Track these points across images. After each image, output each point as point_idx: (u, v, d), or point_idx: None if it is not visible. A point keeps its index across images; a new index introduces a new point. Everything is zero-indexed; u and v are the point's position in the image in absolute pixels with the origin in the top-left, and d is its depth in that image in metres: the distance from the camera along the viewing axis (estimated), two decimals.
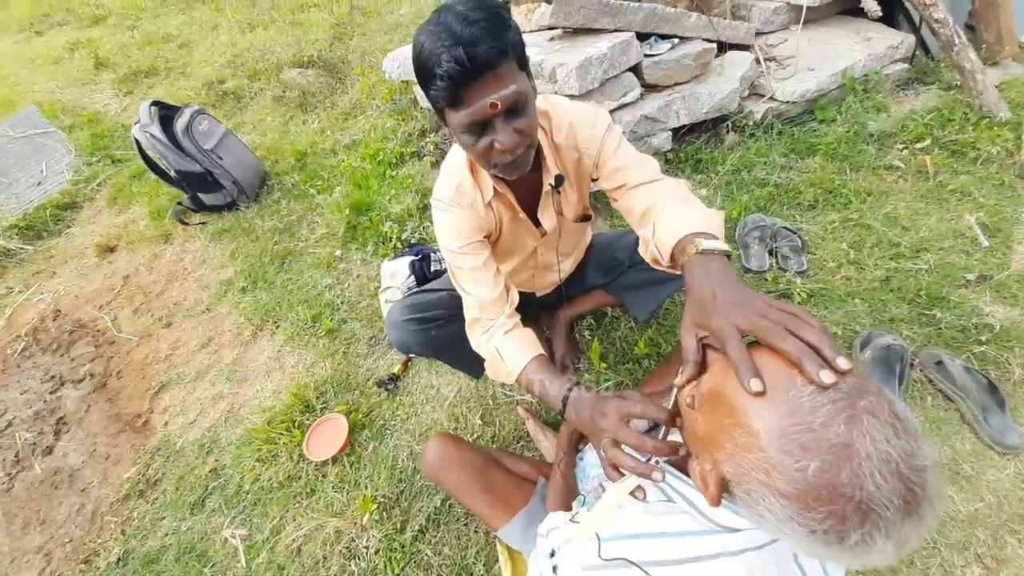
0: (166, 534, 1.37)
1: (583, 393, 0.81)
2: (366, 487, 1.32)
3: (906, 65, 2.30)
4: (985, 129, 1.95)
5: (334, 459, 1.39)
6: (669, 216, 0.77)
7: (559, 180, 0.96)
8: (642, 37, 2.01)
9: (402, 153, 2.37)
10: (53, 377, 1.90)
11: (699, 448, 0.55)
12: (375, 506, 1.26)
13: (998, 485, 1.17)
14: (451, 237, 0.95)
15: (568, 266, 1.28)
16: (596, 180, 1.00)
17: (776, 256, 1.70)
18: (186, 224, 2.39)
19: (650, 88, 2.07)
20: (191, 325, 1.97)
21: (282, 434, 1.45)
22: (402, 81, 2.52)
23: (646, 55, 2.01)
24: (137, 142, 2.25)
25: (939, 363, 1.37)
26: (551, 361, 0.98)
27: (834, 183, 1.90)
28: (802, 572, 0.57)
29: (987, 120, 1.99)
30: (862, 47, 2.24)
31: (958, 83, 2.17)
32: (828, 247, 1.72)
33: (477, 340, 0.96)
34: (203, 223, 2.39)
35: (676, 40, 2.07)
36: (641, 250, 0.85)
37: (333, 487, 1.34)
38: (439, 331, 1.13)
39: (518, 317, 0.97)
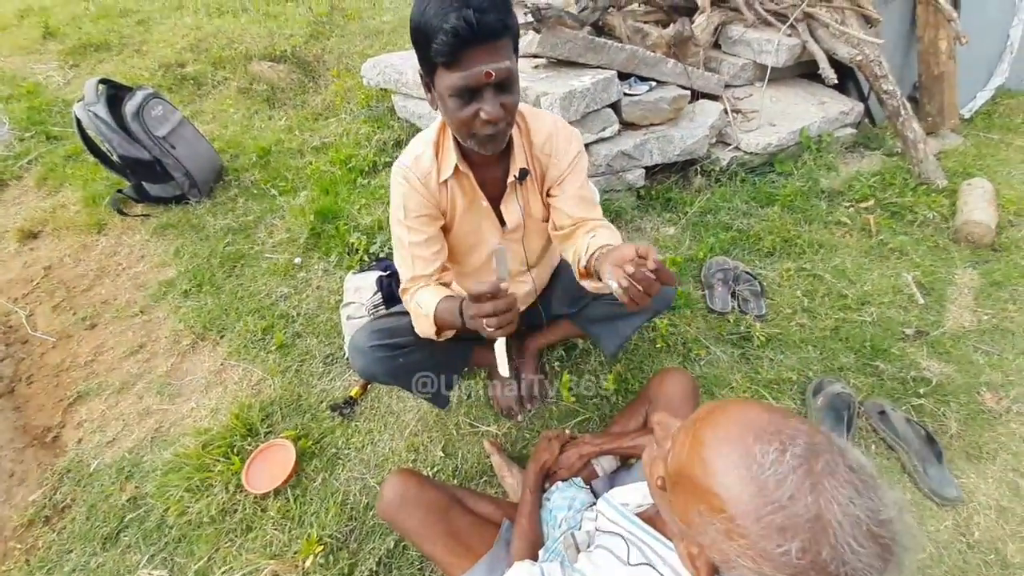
0: (73, 570, 1.18)
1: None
2: (311, 525, 1.21)
3: (854, 130, 2.51)
4: (923, 194, 2.14)
5: (277, 491, 1.26)
6: (607, 236, 0.95)
7: (523, 173, 1.00)
8: (623, 77, 2.07)
9: (375, 162, 2.29)
10: None
11: (680, 530, 0.53)
12: (320, 548, 1.15)
13: (937, 536, 1.23)
14: (399, 206, 1.00)
15: (537, 279, 1.25)
16: (550, 192, 1.05)
17: (738, 299, 1.77)
18: (125, 215, 2.18)
19: (627, 126, 2.13)
20: (120, 328, 1.77)
21: (218, 460, 1.31)
22: (380, 89, 2.46)
23: (625, 94, 2.07)
24: (78, 121, 2.04)
25: (882, 413, 1.45)
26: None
27: (790, 233, 2.01)
28: None
29: (925, 186, 2.19)
30: (817, 109, 2.43)
31: (899, 150, 2.39)
32: (784, 293, 1.81)
33: (406, 303, 1.04)
34: (145, 215, 2.19)
35: (654, 83, 2.15)
36: (571, 248, 1.01)
37: (273, 524, 1.21)
38: (407, 359, 1.07)
39: (444, 279, 1.04)
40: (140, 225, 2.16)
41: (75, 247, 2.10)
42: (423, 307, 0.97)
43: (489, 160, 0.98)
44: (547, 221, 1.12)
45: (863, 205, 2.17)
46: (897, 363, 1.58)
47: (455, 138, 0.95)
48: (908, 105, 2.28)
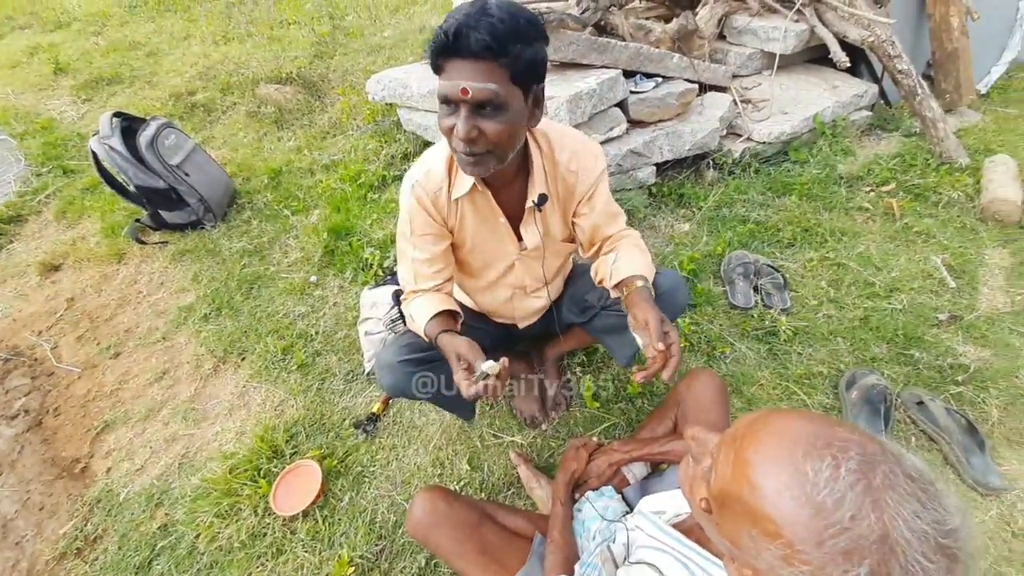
0: None
1: (452, 338, 0.95)
2: (341, 545, 1.19)
3: (869, 112, 2.44)
4: (946, 174, 2.07)
5: (305, 513, 1.26)
6: (627, 256, 1.01)
7: (542, 199, 0.98)
8: (628, 75, 2.05)
9: (384, 176, 2.30)
10: None
11: (730, 551, 0.50)
12: (352, 569, 1.13)
13: (983, 527, 1.18)
14: (405, 221, 1.01)
15: (550, 294, 1.23)
16: (576, 211, 1.05)
17: (760, 293, 1.72)
18: (144, 243, 2.22)
19: (635, 124, 2.10)
20: (143, 356, 1.79)
21: (245, 484, 1.31)
22: (386, 103, 2.47)
23: (632, 92, 2.05)
24: (94, 154, 2.08)
25: (920, 403, 1.39)
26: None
27: (810, 222, 1.96)
28: None
29: (947, 166, 2.12)
30: (830, 94, 2.37)
31: (918, 130, 2.32)
32: (808, 285, 1.76)
33: (404, 309, 1.08)
34: (163, 242, 2.23)
35: (660, 79, 2.13)
36: (594, 269, 1.08)
37: (304, 546, 1.20)
38: (437, 372, 1.06)
39: (444, 289, 1.06)
40: (158, 252, 2.19)
41: (96, 278, 2.14)
42: (415, 319, 1.01)
43: (507, 181, 0.97)
44: (567, 241, 1.11)
45: (884, 189, 2.11)
46: (932, 350, 1.52)
47: None
48: (924, 84, 2.22)
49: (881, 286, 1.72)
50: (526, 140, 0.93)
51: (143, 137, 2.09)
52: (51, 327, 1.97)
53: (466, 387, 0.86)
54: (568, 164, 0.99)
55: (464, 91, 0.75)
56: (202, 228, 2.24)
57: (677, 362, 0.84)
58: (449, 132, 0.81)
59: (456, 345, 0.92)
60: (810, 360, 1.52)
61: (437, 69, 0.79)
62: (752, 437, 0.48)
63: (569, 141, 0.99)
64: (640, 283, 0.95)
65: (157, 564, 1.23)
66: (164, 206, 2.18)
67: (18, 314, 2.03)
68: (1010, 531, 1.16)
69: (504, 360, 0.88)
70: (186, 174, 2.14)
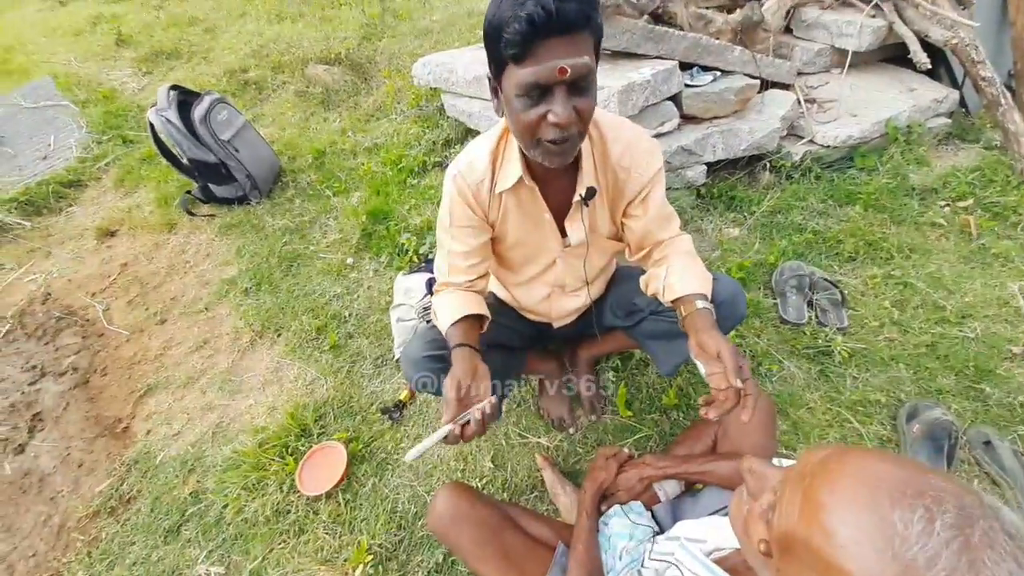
0: (135, 563, 1.23)
1: (465, 353, 0.90)
2: (361, 531, 1.20)
3: (948, 120, 2.24)
4: None
5: (328, 494, 1.27)
6: (680, 269, 0.94)
7: (591, 192, 0.92)
8: (684, 67, 1.94)
9: (425, 162, 2.28)
10: (34, 367, 1.78)
11: None
12: (370, 557, 1.13)
13: None
14: (446, 211, 0.98)
15: (593, 292, 1.18)
16: (628, 211, 0.98)
17: (815, 309, 1.61)
18: (193, 215, 2.29)
19: (688, 119, 2.00)
20: (187, 324, 1.85)
21: (273, 460, 1.33)
22: (430, 88, 2.45)
23: (687, 85, 1.94)
24: (151, 125, 2.15)
25: (987, 443, 1.27)
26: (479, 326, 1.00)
27: (875, 235, 1.82)
28: None
29: None
30: (906, 97, 2.18)
31: (999, 143, 2.11)
32: (869, 304, 1.63)
33: (434, 300, 1.04)
34: (211, 215, 2.29)
35: (718, 73, 2.00)
36: (644, 281, 1.03)
37: (324, 528, 1.21)
38: None
39: (477, 286, 1.03)
40: (206, 225, 2.26)
41: (148, 245, 2.23)
42: (440, 317, 0.98)
43: (555, 173, 0.91)
44: (614, 239, 1.05)
45: (961, 205, 1.93)
46: (1004, 386, 1.38)
47: (520, 148, 0.89)
48: (1008, 94, 2.00)
49: (952, 311, 1.57)
50: None
51: (197, 111, 2.15)
52: (104, 290, 2.07)
53: (447, 428, 0.80)
54: (620, 159, 0.92)
55: (562, 71, 0.68)
56: (248, 204, 2.30)
57: (755, 401, 0.76)
58: (536, 124, 0.74)
59: (463, 367, 0.87)
60: (866, 386, 1.41)
61: (520, 57, 0.69)
62: (826, 476, 0.42)
63: (624, 133, 0.93)
64: (701, 304, 0.88)
65: (185, 530, 1.28)
66: (214, 180, 2.24)
67: (74, 275, 2.14)
68: None
69: (492, 399, 0.83)
70: (236, 150, 2.19)
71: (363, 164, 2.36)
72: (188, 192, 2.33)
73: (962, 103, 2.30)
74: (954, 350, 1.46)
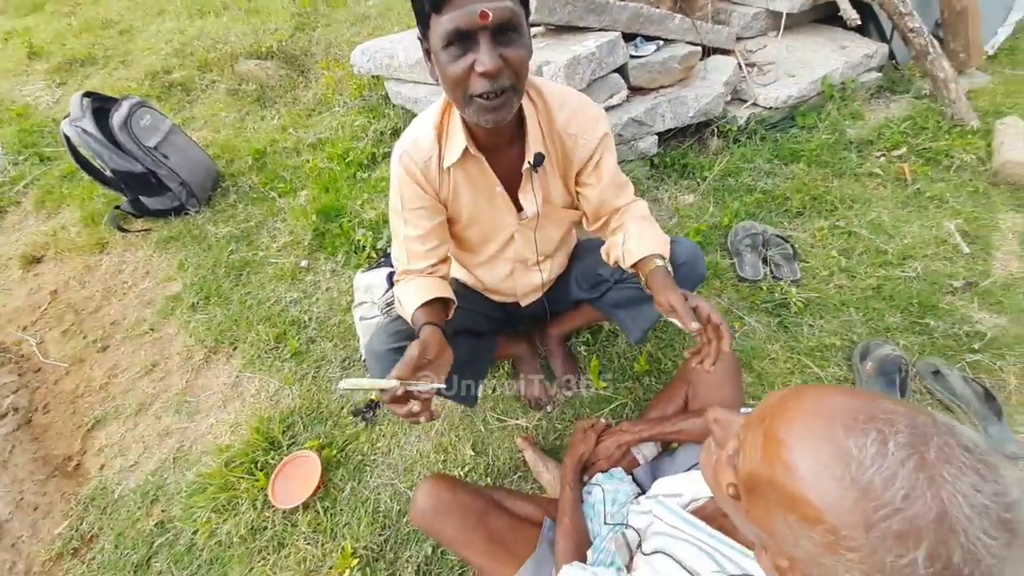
0: None
1: (436, 331, 0.86)
2: (344, 537, 1.16)
3: (879, 74, 2.34)
4: (957, 137, 1.99)
5: (305, 505, 1.22)
6: (637, 233, 0.94)
7: (539, 159, 0.90)
8: (627, 38, 1.94)
9: (374, 154, 2.20)
10: None
11: (763, 540, 0.46)
12: (356, 561, 1.10)
13: None
14: (396, 196, 0.94)
15: (553, 268, 1.17)
16: (580, 179, 0.97)
17: (769, 264, 1.66)
18: (126, 231, 2.13)
19: (636, 91, 2.00)
20: (131, 348, 1.73)
21: (242, 478, 1.26)
22: (372, 76, 2.35)
23: (632, 56, 1.94)
24: (67, 138, 1.97)
25: (936, 373, 1.36)
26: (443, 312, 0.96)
27: (819, 189, 1.89)
28: None
29: (959, 128, 2.04)
30: (839, 55, 2.26)
31: (928, 92, 2.22)
32: (818, 255, 1.70)
33: (395, 291, 0.99)
34: (146, 230, 2.14)
35: (661, 42, 2.01)
36: (604, 251, 1.02)
37: (305, 539, 1.17)
38: None
39: (439, 271, 0.99)
40: (142, 241, 2.10)
41: (79, 269, 2.06)
42: (404, 305, 0.94)
43: (502, 143, 0.89)
44: (569, 208, 1.03)
45: (895, 153, 2.03)
46: (947, 318, 1.48)
47: (463, 118, 0.85)
48: (936, 43, 2.11)
49: (894, 254, 1.66)
50: None
51: (116, 118, 1.98)
52: (36, 321, 1.90)
53: (393, 382, 0.75)
54: (567, 126, 0.91)
55: (484, 15, 0.65)
56: (186, 214, 2.15)
57: (727, 329, 0.81)
58: (465, 77, 0.71)
59: (432, 339, 0.83)
60: (822, 332, 1.47)
61: (439, 5, 0.68)
62: (783, 415, 0.43)
63: (569, 100, 0.91)
64: (658, 263, 0.89)
65: (156, 562, 1.20)
66: (144, 191, 2.09)
67: (1, 309, 1.96)
68: None
69: (434, 387, 0.79)
70: (165, 156, 2.04)
71: (308, 161, 2.25)
72: (117, 207, 2.16)
73: (891, 56, 2.41)
74: (899, 290, 1.55)
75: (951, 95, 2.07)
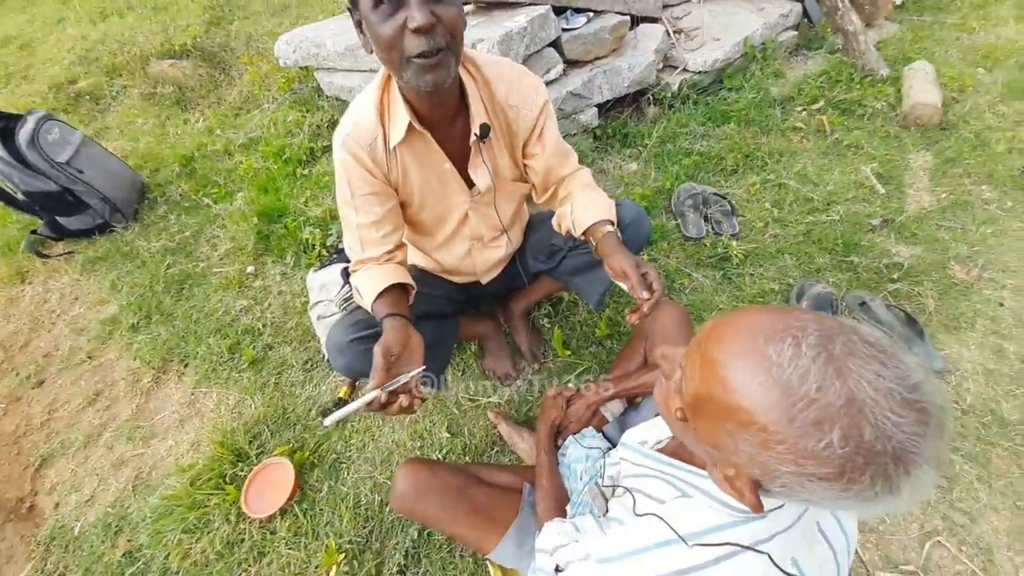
0: None
1: (397, 322, 0.85)
2: (327, 535, 1.15)
3: (795, 33, 2.47)
4: (869, 87, 2.15)
5: (282, 511, 1.19)
6: (584, 201, 0.98)
7: (485, 129, 0.90)
8: (558, 12, 1.95)
9: (312, 148, 2.12)
10: None
11: (711, 456, 0.51)
12: (342, 556, 1.10)
13: None
14: (343, 184, 0.91)
15: (509, 243, 1.18)
16: (526, 151, 0.99)
17: (711, 222, 1.75)
18: (46, 257, 1.96)
19: (572, 64, 2.02)
20: (70, 379, 1.61)
21: (211, 494, 1.22)
22: (301, 68, 2.25)
23: (564, 29, 1.95)
24: None
25: (863, 304, 1.48)
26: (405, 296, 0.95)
27: (750, 147, 1.99)
28: (824, 536, 0.58)
29: (869, 78, 2.19)
30: (757, 17, 2.37)
31: (840, 46, 2.37)
32: (753, 208, 1.80)
33: (352, 282, 0.97)
34: (69, 253, 1.98)
35: (591, 14, 2.03)
36: (556, 221, 1.06)
37: (287, 544, 1.15)
38: None
39: (396, 257, 0.97)
40: (65, 265, 1.95)
41: (1, 302, 1.89)
42: (362, 294, 0.92)
43: (445, 116, 0.88)
44: (519, 181, 1.04)
45: (815, 107, 2.17)
46: (869, 254, 1.61)
47: (403, 94, 0.84)
48: None
49: (819, 201, 1.79)
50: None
51: (22, 135, 1.80)
52: None
53: (372, 394, 0.75)
54: (507, 97, 0.91)
55: None
56: (112, 231, 2.00)
57: (660, 295, 0.88)
58: (398, 37, 0.70)
59: (395, 336, 0.82)
60: (762, 279, 1.57)
61: None
62: (715, 338, 0.48)
63: (506, 71, 0.91)
64: (607, 229, 0.93)
65: None
66: (61, 211, 1.92)
67: None
68: (959, 409, 1.25)
69: (418, 372, 0.80)
70: (79, 171, 1.88)
71: (242, 163, 2.14)
72: (34, 232, 1.98)
73: (805, 14, 2.55)
74: (826, 233, 1.67)
75: (860, 47, 2.22)
